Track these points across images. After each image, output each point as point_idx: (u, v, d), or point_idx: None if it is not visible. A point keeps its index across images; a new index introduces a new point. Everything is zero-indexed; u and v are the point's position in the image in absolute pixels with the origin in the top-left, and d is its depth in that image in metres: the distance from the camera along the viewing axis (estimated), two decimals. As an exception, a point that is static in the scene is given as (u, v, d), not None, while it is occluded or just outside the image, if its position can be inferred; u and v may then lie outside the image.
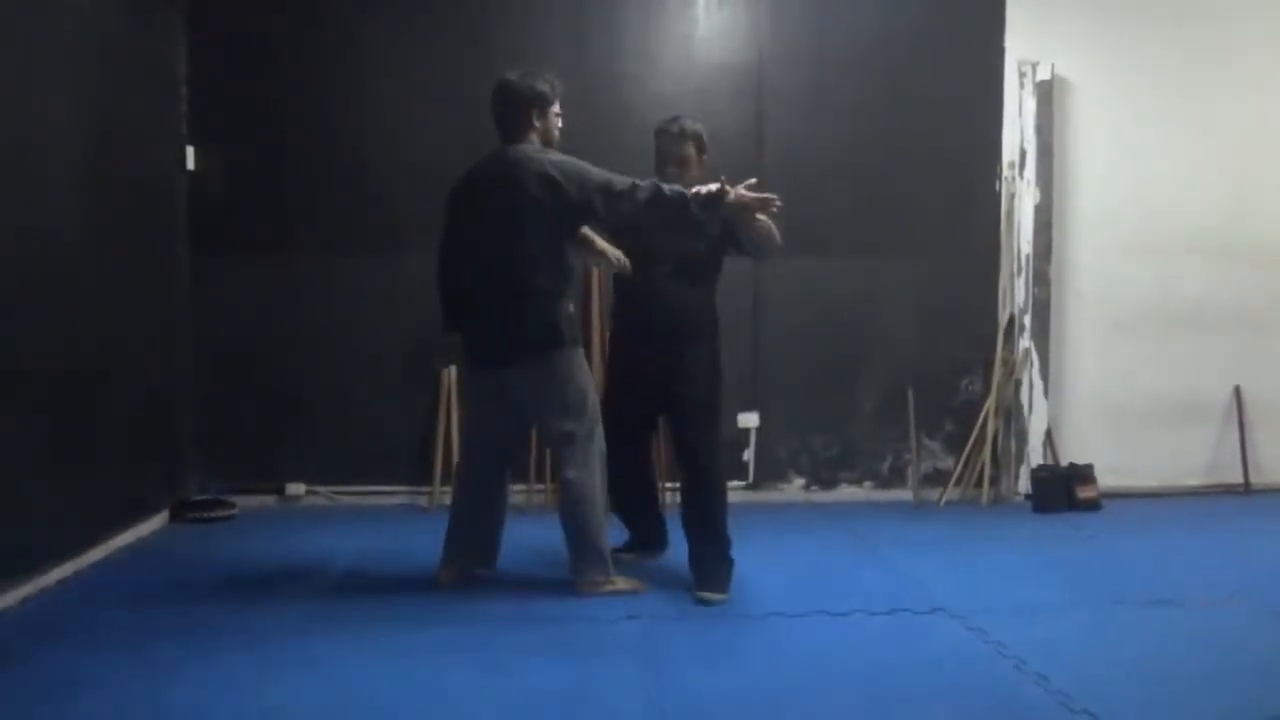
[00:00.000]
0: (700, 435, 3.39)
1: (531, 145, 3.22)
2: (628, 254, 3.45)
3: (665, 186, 3.14)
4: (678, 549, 3.56)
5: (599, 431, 3.30)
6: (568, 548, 3.31)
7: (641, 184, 3.12)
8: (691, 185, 3.25)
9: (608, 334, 4.62)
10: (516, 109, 3.23)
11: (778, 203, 3.17)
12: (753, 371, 4.80)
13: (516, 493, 4.55)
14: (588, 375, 3.34)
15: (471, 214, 3.26)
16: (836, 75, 4.82)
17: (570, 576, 3.31)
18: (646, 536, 3.73)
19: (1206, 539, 4.22)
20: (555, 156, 3.19)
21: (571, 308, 3.33)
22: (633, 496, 3.66)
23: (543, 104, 3.25)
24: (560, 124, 3.34)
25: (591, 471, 3.25)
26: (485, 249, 3.21)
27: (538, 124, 3.25)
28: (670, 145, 3.44)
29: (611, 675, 2.60)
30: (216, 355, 4.60)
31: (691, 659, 2.74)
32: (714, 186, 3.14)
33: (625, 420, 3.50)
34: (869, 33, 4.82)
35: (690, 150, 3.44)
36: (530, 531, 3.74)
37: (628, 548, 3.69)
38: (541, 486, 4.64)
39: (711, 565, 3.29)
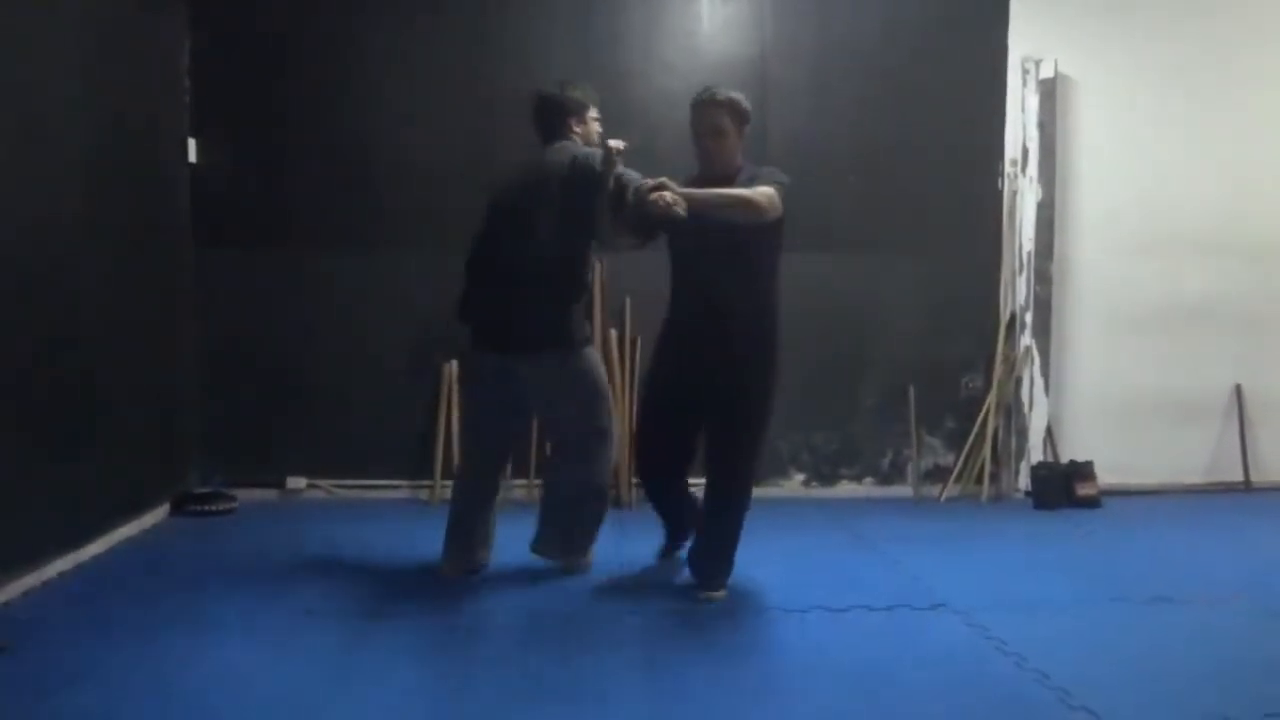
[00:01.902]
0: (746, 438, 3.19)
1: (572, 143, 3.31)
2: (678, 246, 3.26)
3: (627, 172, 3.10)
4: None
5: (612, 429, 3.37)
6: (557, 529, 3.44)
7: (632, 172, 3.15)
8: (730, 156, 3.15)
9: (623, 333, 4.64)
10: (556, 119, 3.35)
11: (680, 210, 2.88)
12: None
13: (517, 487, 4.56)
14: (603, 374, 3.41)
15: (505, 206, 3.32)
16: (839, 71, 4.81)
17: (538, 548, 3.46)
18: (682, 529, 3.55)
19: (1206, 536, 4.23)
20: (582, 150, 3.26)
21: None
22: (669, 495, 3.52)
23: (580, 111, 3.38)
24: (599, 129, 3.43)
25: (602, 469, 3.35)
26: (515, 241, 3.24)
27: (577, 130, 3.36)
28: (701, 114, 3.16)
29: (612, 670, 2.61)
30: (218, 348, 4.59)
31: (691, 654, 2.74)
32: (650, 181, 2.97)
33: (670, 420, 3.33)
34: (872, 29, 4.82)
35: (724, 119, 3.13)
36: (531, 527, 3.73)
37: (666, 551, 3.63)
38: (541, 481, 4.63)
39: (716, 563, 3.26)
